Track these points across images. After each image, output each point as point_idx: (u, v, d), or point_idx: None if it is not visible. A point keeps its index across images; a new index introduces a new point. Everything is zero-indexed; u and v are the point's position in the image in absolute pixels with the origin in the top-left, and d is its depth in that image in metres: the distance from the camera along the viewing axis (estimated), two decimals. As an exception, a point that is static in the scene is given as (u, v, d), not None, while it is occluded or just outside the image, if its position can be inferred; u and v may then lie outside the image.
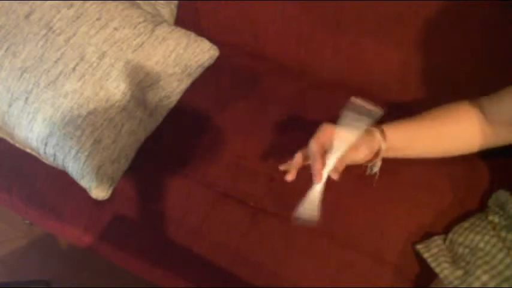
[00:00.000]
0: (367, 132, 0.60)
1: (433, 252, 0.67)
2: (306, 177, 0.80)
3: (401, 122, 0.65)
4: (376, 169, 0.65)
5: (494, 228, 0.64)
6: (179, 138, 0.89)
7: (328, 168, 0.57)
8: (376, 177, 0.66)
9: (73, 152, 0.78)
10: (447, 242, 0.68)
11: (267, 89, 0.94)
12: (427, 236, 0.71)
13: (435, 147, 0.67)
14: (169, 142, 0.89)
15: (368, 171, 0.67)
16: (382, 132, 0.62)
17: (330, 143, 0.58)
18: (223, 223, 0.79)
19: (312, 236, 0.75)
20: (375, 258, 0.72)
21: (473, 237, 0.64)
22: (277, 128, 0.87)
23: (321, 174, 0.57)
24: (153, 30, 0.84)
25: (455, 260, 0.64)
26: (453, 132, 0.65)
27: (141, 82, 0.83)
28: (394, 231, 0.73)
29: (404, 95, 0.87)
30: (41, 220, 0.90)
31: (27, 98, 0.80)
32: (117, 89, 0.80)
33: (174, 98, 0.90)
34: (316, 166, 0.57)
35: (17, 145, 0.94)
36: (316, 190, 0.58)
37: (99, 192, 0.80)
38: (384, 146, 0.61)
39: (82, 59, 0.79)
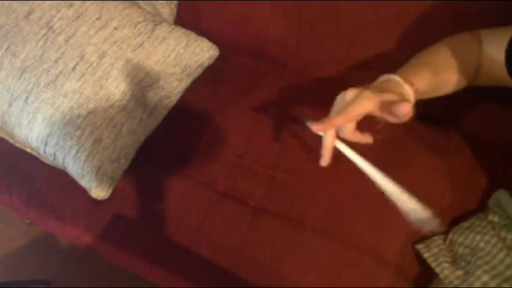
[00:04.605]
0: (396, 87, 0.53)
1: (433, 252, 0.67)
2: (306, 177, 0.81)
3: (421, 73, 0.57)
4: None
5: (494, 228, 0.64)
6: (179, 138, 0.89)
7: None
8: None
9: (73, 151, 0.78)
10: (447, 241, 0.68)
11: (267, 89, 0.94)
12: (427, 236, 0.71)
13: (446, 88, 0.62)
14: (169, 142, 0.89)
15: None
16: (411, 85, 0.54)
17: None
18: (223, 223, 0.79)
19: (312, 236, 0.75)
20: (375, 258, 0.72)
21: (473, 237, 0.64)
22: (277, 128, 0.87)
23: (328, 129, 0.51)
24: (153, 30, 0.84)
25: (455, 260, 0.64)
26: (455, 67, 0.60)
27: (141, 82, 0.83)
28: (394, 231, 0.73)
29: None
30: (41, 220, 0.90)
31: (27, 98, 0.80)
32: (117, 88, 0.80)
33: (174, 97, 0.90)
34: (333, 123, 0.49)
35: (17, 145, 0.94)
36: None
37: (99, 191, 0.80)
38: (411, 96, 0.53)
39: (82, 58, 0.79)
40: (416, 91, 0.53)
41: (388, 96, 0.48)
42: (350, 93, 0.50)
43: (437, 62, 0.60)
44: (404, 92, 0.52)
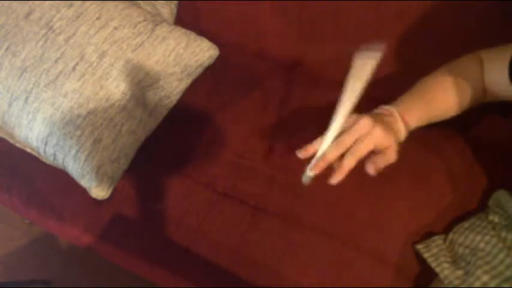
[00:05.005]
0: (394, 123, 0.60)
1: (433, 252, 0.67)
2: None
3: (416, 109, 0.64)
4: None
5: (494, 228, 0.64)
6: (179, 138, 0.89)
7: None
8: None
9: (73, 151, 0.78)
10: (447, 242, 0.68)
11: (267, 88, 0.94)
12: (427, 236, 0.71)
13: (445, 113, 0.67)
14: (169, 142, 0.89)
15: None
16: (405, 123, 0.61)
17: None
18: (223, 223, 0.79)
19: (312, 236, 0.75)
20: (375, 258, 0.72)
21: (473, 237, 0.64)
22: (277, 128, 0.87)
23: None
24: (153, 30, 0.84)
25: (455, 260, 0.64)
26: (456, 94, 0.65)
27: (141, 81, 0.83)
28: (394, 231, 0.73)
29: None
30: (41, 220, 0.90)
31: (27, 98, 0.80)
32: (117, 88, 0.80)
33: (174, 97, 0.90)
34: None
35: (17, 145, 0.94)
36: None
37: (99, 191, 0.80)
38: (404, 135, 0.61)
39: (82, 58, 0.79)
40: (407, 127, 0.61)
41: (389, 141, 0.56)
42: (364, 122, 0.56)
43: (435, 93, 0.65)
44: (399, 129, 0.60)
